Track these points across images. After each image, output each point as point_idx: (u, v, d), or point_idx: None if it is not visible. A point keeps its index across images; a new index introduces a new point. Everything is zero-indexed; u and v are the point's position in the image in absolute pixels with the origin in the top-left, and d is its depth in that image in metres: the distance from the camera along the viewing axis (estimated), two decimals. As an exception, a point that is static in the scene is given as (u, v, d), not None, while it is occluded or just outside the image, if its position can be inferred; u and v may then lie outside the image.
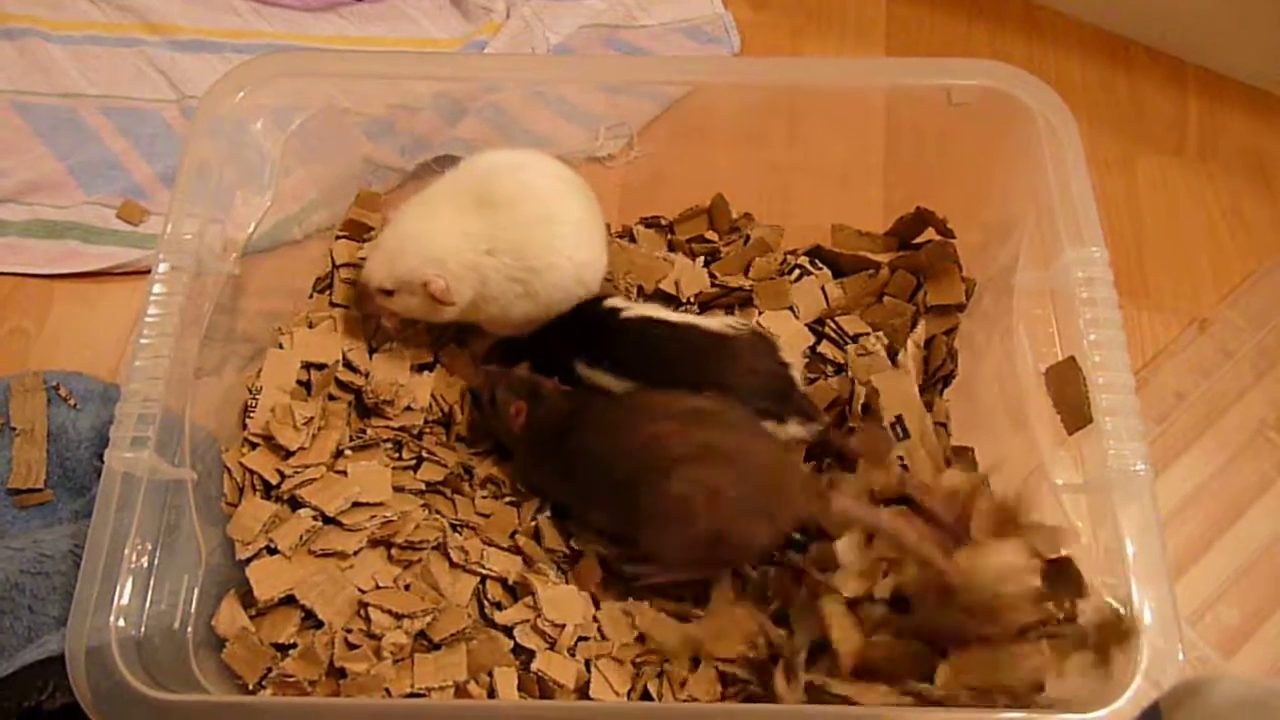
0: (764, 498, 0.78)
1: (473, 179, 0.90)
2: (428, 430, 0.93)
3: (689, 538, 0.78)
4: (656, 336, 0.89)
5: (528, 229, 0.89)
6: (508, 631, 0.80)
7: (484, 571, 0.83)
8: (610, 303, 0.93)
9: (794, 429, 0.88)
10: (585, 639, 0.81)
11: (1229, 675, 0.43)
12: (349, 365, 0.92)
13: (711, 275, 1.01)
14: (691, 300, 1.00)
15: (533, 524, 0.88)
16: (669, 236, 1.05)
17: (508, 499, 0.90)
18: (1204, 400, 1.05)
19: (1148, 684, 0.63)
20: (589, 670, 0.78)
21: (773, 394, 0.87)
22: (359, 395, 0.91)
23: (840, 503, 0.78)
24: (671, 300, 1.00)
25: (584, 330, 0.92)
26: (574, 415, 0.87)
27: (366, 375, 0.92)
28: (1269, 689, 0.39)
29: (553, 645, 0.80)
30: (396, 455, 0.90)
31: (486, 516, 0.89)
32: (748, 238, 1.03)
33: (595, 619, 0.82)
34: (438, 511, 0.88)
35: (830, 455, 0.91)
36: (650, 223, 1.06)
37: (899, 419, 0.89)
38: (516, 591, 0.84)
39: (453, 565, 0.84)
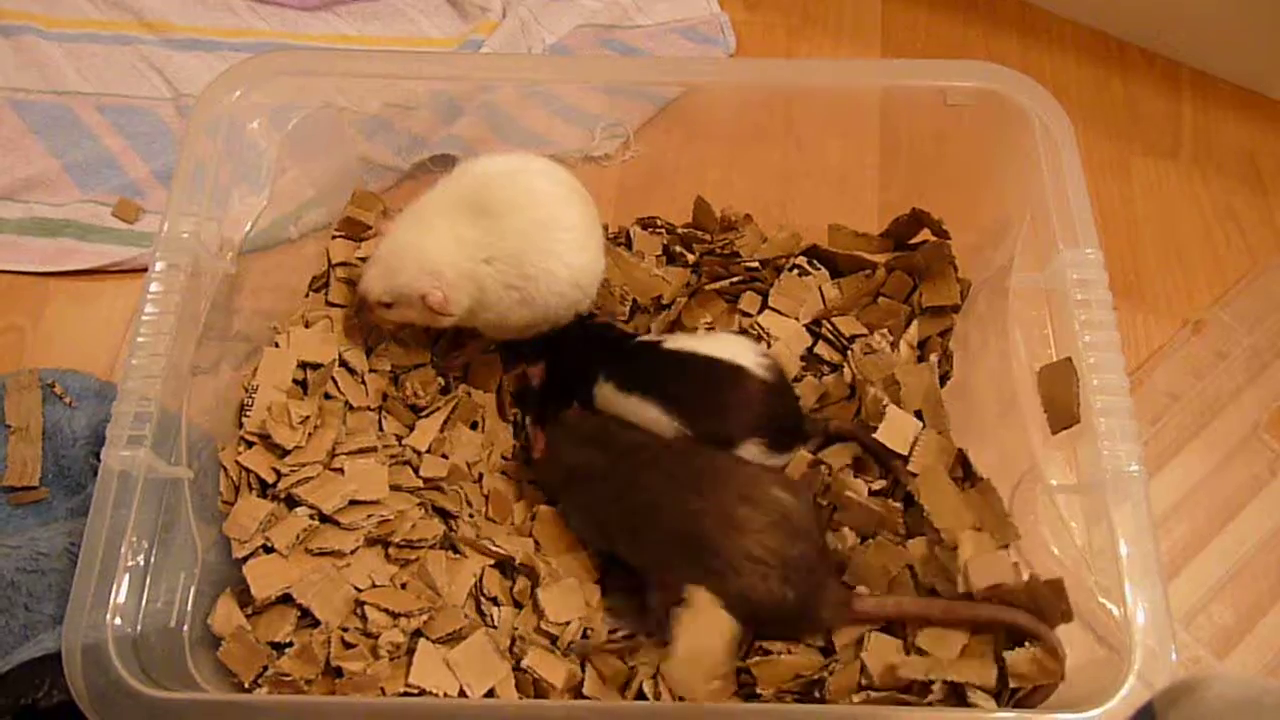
0: (802, 612, 0.77)
1: (467, 187, 0.90)
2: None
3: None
4: (701, 372, 0.88)
5: (524, 236, 0.88)
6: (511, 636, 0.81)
7: (492, 550, 0.84)
8: (646, 338, 0.94)
9: (803, 454, 0.89)
10: (588, 634, 0.81)
11: (1224, 675, 0.43)
12: (345, 365, 0.92)
13: (733, 255, 1.02)
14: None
15: (533, 516, 0.89)
16: (665, 239, 1.05)
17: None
18: (1198, 401, 1.05)
19: (1141, 684, 0.64)
20: (583, 670, 0.78)
21: (788, 432, 0.88)
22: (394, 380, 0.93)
23: (863, 605, 0.78)
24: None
25: (615, 355, 0.92)
26: (623, 443, 0.85)
27: (398, 379, 0.94)
28: (1264, 688, 0.40)
29: (554, 641, 0.80)
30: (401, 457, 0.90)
31: (488, 518, 0.89)
32: (764, 239, 1.03)
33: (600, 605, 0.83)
34: (438, 509, 0.88)
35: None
36: (646, 223, 1.06)
37: (918, 414, 0.89)
38: (516, 580, 0.84)
39: (456, 552, 0.84)
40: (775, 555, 0.75)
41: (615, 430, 0.87)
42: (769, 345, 0.97)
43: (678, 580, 0.77)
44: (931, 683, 0.71)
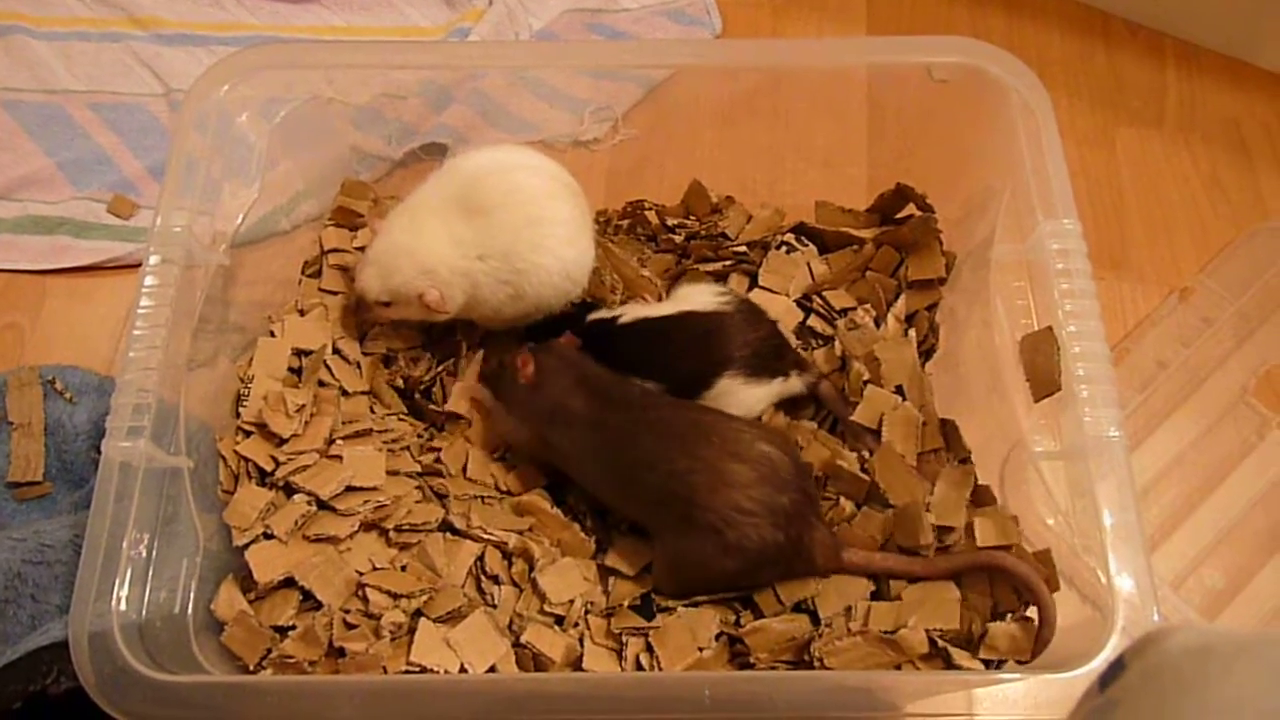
0: (795, 551, 0.80)
1: (458, 184, 0.91)
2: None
3: (719, 573, 0.80)
4: (657, 333, 0.91)
5: (515, 233, 0.90)
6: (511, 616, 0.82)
7: (487, 538, 0.85)
8: (600, 314, 0.95)
9: (794, 383, 0.91)
10: (591, 608, 0.83)
11: (1187, 625, 0.45)
12: (338, 352, 0.93)
13: (720, 236, 1.04)
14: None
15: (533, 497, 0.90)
16: (653, 226, 1.07)
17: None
18: (1185, 368, 1.07)
19: (1125, 644, 0.65)
20: (581, 645, 0.79)
21: (771, 354, 0.91)
22: (406, 384, 0.95)
23: (853, 557, 0.81)
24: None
25: (590, 346, 0.93)
26: (612, 393, 0.87)
27: (394, 356, 0.95)
28: (1219, 634, 0.41)
29: (560, 621, 0.82)
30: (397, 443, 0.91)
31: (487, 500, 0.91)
32: (749, 218, 1.04)
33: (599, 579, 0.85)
34: (435, 493, 0.89)
35: (824, 410, 0.94)
36: (636, 206, 1.07)
37: (899, 389, 0.91)
38: (513, 562, 0.85)
39: (455, 534, 0.86)
40: (763, 506, 0.78)
41: (610, 381, 0.89)
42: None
43: (671, 534, 0.81)
44: (901, 627, 0.74)
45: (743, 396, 0.89)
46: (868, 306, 0.97)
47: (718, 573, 0.80)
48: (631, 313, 0.94)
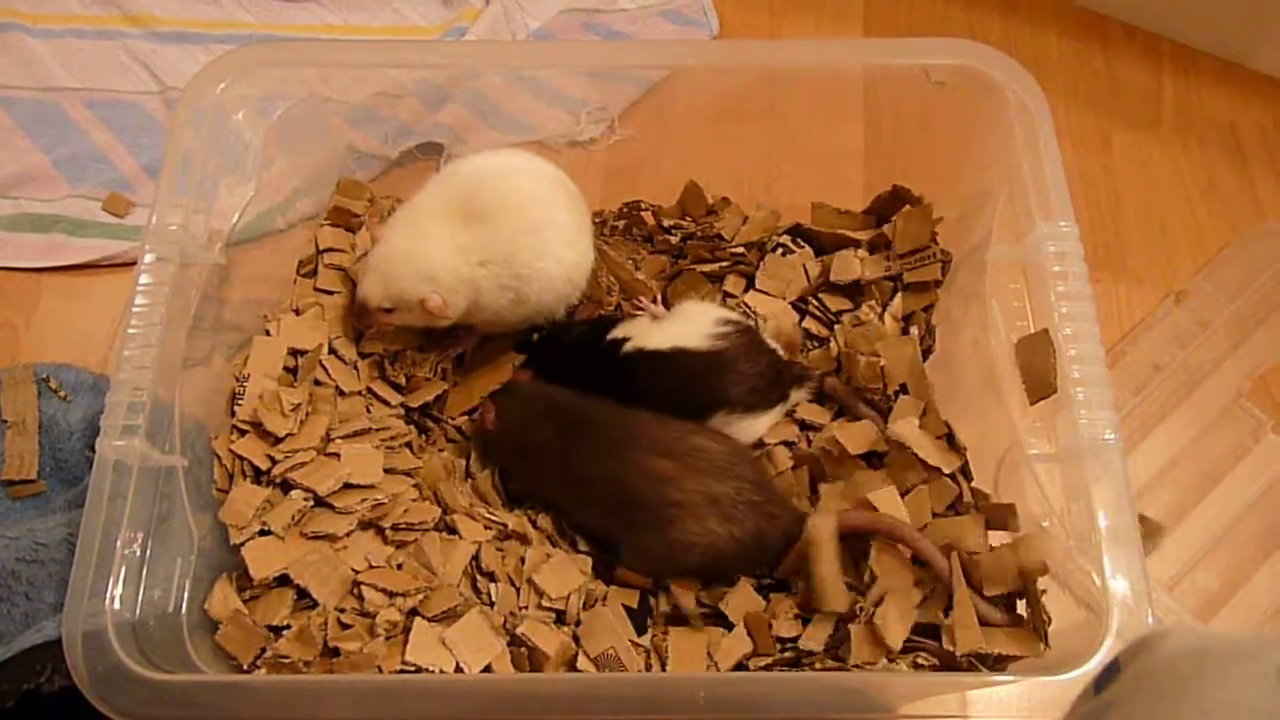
0: (753, 547, 0.81)
1: (458, 190, 0.91)
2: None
3: (682, 569, 0.83)
4: (652, 369, 0.91)
5: (515, 239, 0.90)
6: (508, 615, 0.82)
7: (488, 516, 0.86)
8: (611, 335, 0.95)
9: (795, 398, 0.93)
10: (588, 605, 0.83)
11: (1181, 627, 0.45)
12: (334, 352, 0.93)
13: (716, 237, 1.04)
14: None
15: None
16: (649, 226, 1.07)
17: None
18: (1181, 371, 1.07)
19: (1119, 646, 0.65)
20: (577, 644, 0.79)
21: (769, 385, 0.91)
22: (382, 364, 0.95)
23: (818, 528, 0.80)
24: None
25: (589, 364, 0.94)
26: (564, 418, 0.88)
27: (391, 357, 0.96)
28: (1213, 636, 0.41)
29: (560, 616, 0.82)
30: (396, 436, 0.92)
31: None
32: (745, 219, 1.04)
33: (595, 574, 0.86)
34: (435, 494, 0.89)
35: (828, 400, 0.95)
36: (632, 206, 1.07)
37: (902, 387, 0.91)
38: (507, 554, 0.85)
39: (451, 533, 0.86)
40: (701, 496, 0.79)
41: (561, 402, 0.90)
42: (754, 319, 0.99)
43: (631, 543, 0.83)
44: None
45: (739, 428, 0.90)
46: (874, 304, 0.97)
47: (682, 569, 0.82)
48: (633, 341, 0.93)
